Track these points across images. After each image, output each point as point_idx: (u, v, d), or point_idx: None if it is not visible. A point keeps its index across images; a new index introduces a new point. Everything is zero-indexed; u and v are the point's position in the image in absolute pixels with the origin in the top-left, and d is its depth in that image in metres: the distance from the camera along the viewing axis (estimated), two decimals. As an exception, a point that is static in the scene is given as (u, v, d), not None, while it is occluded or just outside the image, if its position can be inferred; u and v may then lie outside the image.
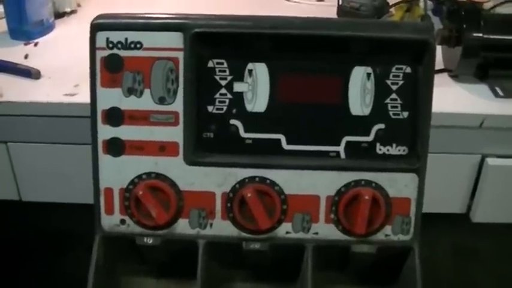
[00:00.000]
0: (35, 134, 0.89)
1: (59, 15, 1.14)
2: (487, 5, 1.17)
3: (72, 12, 1.17)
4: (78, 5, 1.19)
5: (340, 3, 1.14)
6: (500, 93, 0.91)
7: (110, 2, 1.12)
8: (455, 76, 0.95)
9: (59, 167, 0.92)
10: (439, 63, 0.89)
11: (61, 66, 0.94)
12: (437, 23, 1.07)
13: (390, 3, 1.14)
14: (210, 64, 0.63)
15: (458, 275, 1.25)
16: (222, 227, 0.65)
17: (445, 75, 0.96)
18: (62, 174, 0.92)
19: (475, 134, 0.88)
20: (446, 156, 0.90)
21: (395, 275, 0.70)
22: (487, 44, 0.89)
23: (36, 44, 1.04)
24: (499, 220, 0.95)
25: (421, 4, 1.15)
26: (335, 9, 1.15)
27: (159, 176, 0.64)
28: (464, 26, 0.90)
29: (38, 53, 1.00)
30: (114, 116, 0.64)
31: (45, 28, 1.08)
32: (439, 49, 0.94)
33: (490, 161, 0.90)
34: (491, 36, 0.90)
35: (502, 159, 0.90)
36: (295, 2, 1.27)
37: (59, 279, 1.15)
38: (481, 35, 0.89)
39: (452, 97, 0.90)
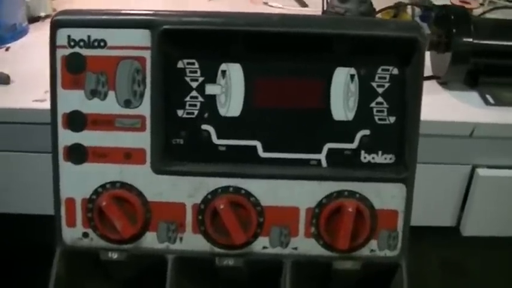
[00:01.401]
0: (2, 141, 0.87)
1: (33, 19, 1.13)
2: (476, 11, 1.17)
3: (47, 16, 1.14)
4: (54, 10, 1.17)
5: (325, 8, 1.12)
6: (491, 100, 0.91)
7: (89, 6, 1.10)
8: (444, 83, 0.95)
9: (25, 177, 0.90)
10: (427, 69, 0.89)
11: (32, 72, 0.92)
12: (425, 29, 1.05)
13: (377, 9, 1.12)
14: (180, 64, 0.60)
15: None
16: (192, 241, 0.62)
17: (433, 82, 0.95)
18: (27, 183, 0.90)
19: (465, 144, 0.87)
20: (435, 166, 0.89)
21: (381, 293, 0.67)
22: (477, 49, 0.89)
23: (7, 49, 1.03)
24: (490, 233, 0.94)
25: (409, 10, 1.15)
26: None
27: (124, 185, 0.61)
28: (454, 30, 0.89)
29: (9, 58, 0.99)
30: (76, 120, 0.60)
31: (18, 32, 1.07)
32: (427, 55, 0.92)
33: (481, 171, 0.89)
34: (482, 42, 0.90)
35: (493, 170, 0.89)
36: (278, 7, 1.28)
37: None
38: (471, 40, 0.89)
39: (441, 105, 0.89)
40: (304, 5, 1.29)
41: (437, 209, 0.93)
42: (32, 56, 1.00)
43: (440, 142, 0.86)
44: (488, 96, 0.91)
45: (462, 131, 0.85)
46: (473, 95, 0.92)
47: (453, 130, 0.86)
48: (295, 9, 1.26)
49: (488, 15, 1.14)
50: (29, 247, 1.03)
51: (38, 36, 1.08)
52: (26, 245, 1.06)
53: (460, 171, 0.90)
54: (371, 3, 1.08)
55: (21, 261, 1.06)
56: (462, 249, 1.11)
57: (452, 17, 0.90)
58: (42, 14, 1.14)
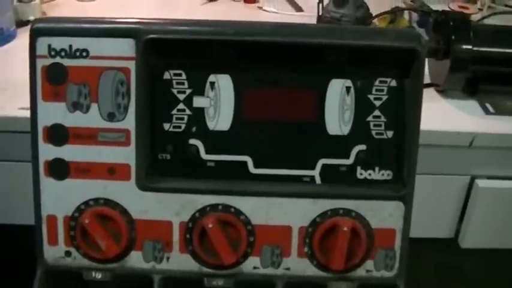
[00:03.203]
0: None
1: (22, 23, 1.12)
2: (475, 17, 1.16)
3: (37, 21, 1.14)
4: (44, 14, 1.18)
5: (320, 13, 1.13)
6: (491, 109, 0.90)
7: (78, 10, 1.13)
8: (443, 91, 0.94)
9: (8, 186, 0.89)
10: (425, 77, 0.86)
11: (19, 78, 0.89)
12: (423, 36, 1.05)
13: (373, 14, 1.13)
14: (166, 75, 0.59)
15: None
16: (180, 261, 0.61)
17: (431, 90, 0.95)
18: (11, 193, 0.89)
19: (464, 154, 0.87)
20: (433, 177, 0.88)
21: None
22: (477, 56, 0.88)
23: (-6, 54, 1.01)
24: (489, 246, 0.94)
25: (406, 15, 1.17)
26: (315, 20, 1.13)
27: (108, 202, 0.59)
28: (453, 37, 0.88)
29: (-5, 63, 0.98)
30: (57, 134, 0.59)
31: (5, 37, 1.06)
32: (425, 62, 0.91)
33: (480, 182, 0.88)
34: (482, 49, 0.89)
35: (492, 181, 0.89)
36: (273, 12, 1.28)
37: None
38: (470, 47, 0.88)
39: (439, 114, 0.89)
40: (300, 9, 1.28)
41: (435, 221, 0.92)
42: (19, 61, 0.97)
43: (438, 152, 0.85)
44: (488, 105, 0.90)
45: (461, 141, 0.85)
46: (473, 104, 0.91)
47: (452, 140, 0.85)
48: (290, 14, 1.26)
49: (487, 21, 1.14)
50: (11, 257, 1.02)
51: (26, 41, 1.05)
52: (8, 256, 1.04)
53: (458, 182, 0.89)
54: (367, 9, 1.08)
55: (3, 273, 1.04)
56: (460, 260, 1.11)
57: (451, 23, 0.89)
58: (31, 18, 1.12)
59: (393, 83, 0.59)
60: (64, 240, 0.60)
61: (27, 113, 0.79)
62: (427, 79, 0.93)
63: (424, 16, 1.13)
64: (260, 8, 1.27)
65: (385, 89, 0.59)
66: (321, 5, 1.10)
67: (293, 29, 0.59)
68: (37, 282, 0.61)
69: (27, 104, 0.80)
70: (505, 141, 0.85)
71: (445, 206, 0.91)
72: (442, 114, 0.88)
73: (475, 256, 1.01)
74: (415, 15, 1.17)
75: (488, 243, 0.93)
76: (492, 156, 0.87)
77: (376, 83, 0.59)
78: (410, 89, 0.58)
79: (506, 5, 1.26)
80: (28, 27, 1.08)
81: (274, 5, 1.27)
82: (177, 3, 1.33)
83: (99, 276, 0.61)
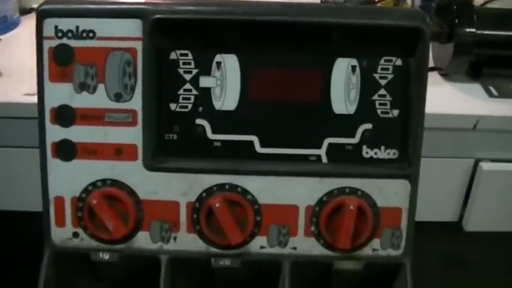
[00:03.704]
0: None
1: (25, 11, 1.12)
2: (478, 1, 1.15)
3: (40, 8, 1.14)
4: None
5: None
6: (495, 92, 0.89)
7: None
8: (446, 75, 0.93)
9: (14, 172, 0.88)
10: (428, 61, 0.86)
11: (23, 65, 0.88)
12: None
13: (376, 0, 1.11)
14: (173, 56, 0.58)
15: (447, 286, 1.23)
16: (187, 241, 0.61)
17: (435, 73, 0.94)
18: (16, 179, 0.88)
19: (468, 137, 0.86)
20: (437, 160, 0.87)
21: (384, 293, 0.66)
22: (480, 40, 0.88)
23: (-2, 41, 1.01)
24: (493, 229, 0.93)
25: (409, 0, 1.13)
26: (318, 5, 1.11)
27: (115, 183, 0.59)
28: (456, 20, 0.88)
29: (-1, 50, 0.98)
30: (64, 115, 0.58)
31: (8, 24, 1.05)
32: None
33: (484, 165, 0.88)
34: (485, 32, 0.88)
35: (496, 164, 0.88)
36: None
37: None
38: (474, 30, 0.87)
39: (443, 97, 0.88)
40: (302, -5, 1.27)
41: (439, 204, 0.92)
42: (23, 48, 0.98)
43: (442, 135, 0.85)
44: (491, 88, 0.90)
45: (465, 124, 0.84)
46: (476, 87, 0.91)
47: (456, 123, 0.84)
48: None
49: (490, 5, 1.13)
50: (16, 245, 1.02)
51: (30, 28, 1.05)
52: (13, 243, 1.04)
53: (462, 165, 0.88)
54: None
55: (9, 260, 1.04)
56: (464, 244, 1.11)
57: (455, 7, 0.89)
58: (35, 6, 1.11)
59: (398, 62, 0.58)
60: (71, 221, 0.61)
61: (32, 99, 0.80)
62: (430, 63, 0.91)
63: (427, 1, 1.12)
64: (263, -6, 1.27)
65: (391, 68, 0.59)
66: (324, -10, 1.10)
67: (300, 8, 0.58)
68: (45, 264, 0.61)
69: (32, 90, 0.81)
70: (509, 124, 0.84)
71: (449, 189, 0.90)
72: (445, 98, 0.87)
73: (479, 240, 1.01)
74: (417, 0, 1.16)
75: (492, 226, 0.92)
76: (496, 139, 0.86)
77: (382, 62, 0.58)
78: (415, 68, 0.58)
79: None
80: (32, 15, 1.10)
81: (277, -9, 1.27)
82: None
83: (106, 257, 0.61)
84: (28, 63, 0.88)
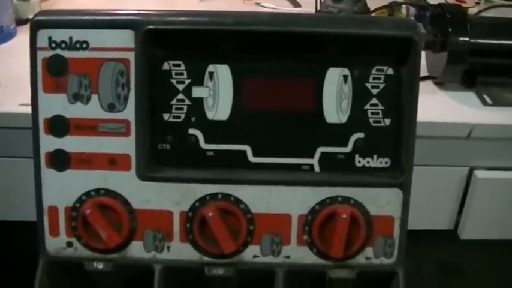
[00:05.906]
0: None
1: (22, 21, 1.12)
2: (472, 11, 1.16)
3: (36, 19, 1.14)
4: None
5: (318, 8, 1.12)
6: (489, 101, 0.89)
7: (78, 8, 1.10)
8: (441, 83, 0.94)
9: (8, 182, 0.88)
10: (423, 69, 0.88)
11: (19, 75, 0.88)
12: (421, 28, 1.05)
13: (371, 9, 1.13)
14: (166, 66, 0.59)
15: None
16: (180, 251, 0.61)
17: (429, 82, 0.94)
18: (11, 190, 0.88)
19: (463, 145, 0.86)
20: (432, 169, 0.87)
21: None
22: (474, 48, 0.88)
23: (-6, 52, 1.01)
24: (489, 237, 0.93)
25: (403, 10, 1.16)
26: (313, 15, 1.11)
27: (109, 192, 0.60)
28: (450, 29, 0.88)
29: (-5, 61, 0.98)
30: (58, 126, 0.59)
31: (5, 35, 1.06)
32: (423, 55, 0.91)
33: (479, 173, 0.88)
34: (479, 41, 0.88)
35: (491, 172, 0.88)
36: (271, 8, 1.27)
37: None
38: (467, 39, 0.88)
39: (437, 106, 0.88)
40: (297, 5, 1.28)
41: (434, 212, 0.92)
42: (19, 58, 0.94)
43: (436, 144, 0.85)
44: (485, 97, 0.90)
45: (459, 132, 0.84)
46: (470, 96, 0.91)
47: (450, 131, 0.84)
48: (288, 10, 1.26)
49: (484, 14, 1.13)
50: (11, 255, 1.02)
51: (26, 39, 1.06)
52: (7, 253, 1.04)
53: (457, 174, 0.88)
54: (365, 3, 1.08)
55: (3, 270, 1.04)
56: (460, 252, 1.10)
57: (448, 16, 0.89)
58: (31, 16, 1.10)
59: (390, 71, 0.59)
60: (65, 231, 0.60)
61: (27, 109, 0.79)
62: (424, 72, 0.93)
63: (422, 10, 1.13)
64: (258, 4, 1.27)
65: (382, 77, 0.59)
66: (318, 0, 1.10)
67: (291, 18, 0.59)
68: (39, 274, 0.61)
69: (28, 101, 0.81)
70: (503, 132, 0.85)
71: (444, 198, 0.90)
72: (440, 106, 0.88)
73: (475, 248, 1.00)
74: (412, 10, 1.16)
75: (488, 234, 0.92)
76: (491, 147, 0.86)
77: (373, 71, 0.59)
78: (407, 77, 0.58)
79: (504, -2, 1.26)
80: (27, 26, 1.10)
81: (272, 1, 1.27)
82: (176, 0, 1.34)
83: (100, 266, 0.61)
84: (24, 73, 0.89)
